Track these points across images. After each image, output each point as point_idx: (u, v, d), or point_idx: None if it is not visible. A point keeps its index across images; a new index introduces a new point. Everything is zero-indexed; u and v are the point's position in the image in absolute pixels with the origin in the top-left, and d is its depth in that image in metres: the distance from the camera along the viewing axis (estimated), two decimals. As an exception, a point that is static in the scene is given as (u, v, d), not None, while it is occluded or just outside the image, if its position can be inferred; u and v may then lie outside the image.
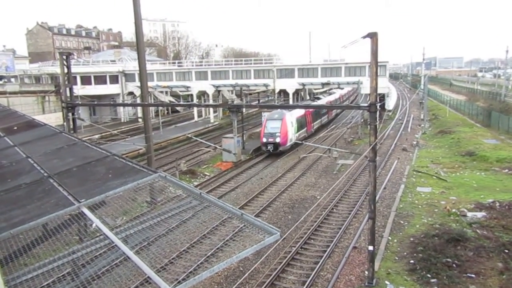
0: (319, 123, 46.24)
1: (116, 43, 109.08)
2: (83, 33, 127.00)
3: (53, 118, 44.59)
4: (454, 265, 14.21)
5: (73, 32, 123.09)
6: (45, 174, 8.14)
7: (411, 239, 16.82)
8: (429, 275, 13.84)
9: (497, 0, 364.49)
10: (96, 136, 40.11)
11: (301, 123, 38.67)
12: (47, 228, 5.99)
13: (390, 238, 17.20)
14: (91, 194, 6.54)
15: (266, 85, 53.16)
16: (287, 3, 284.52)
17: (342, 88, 65.26)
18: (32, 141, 12.01)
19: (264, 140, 34.09)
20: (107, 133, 38.01)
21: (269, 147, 33.80)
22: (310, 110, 40.74)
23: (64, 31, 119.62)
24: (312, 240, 17.63)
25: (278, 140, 33.47)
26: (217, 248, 15.77)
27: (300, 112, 38.28)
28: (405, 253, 15.72)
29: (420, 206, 20.64)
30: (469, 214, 18.50)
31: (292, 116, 35.95)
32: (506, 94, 62.90)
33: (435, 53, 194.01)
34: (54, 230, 6.01)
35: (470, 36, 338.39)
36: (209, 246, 16.01)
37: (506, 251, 14.79)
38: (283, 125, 33.94)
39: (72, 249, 5.45)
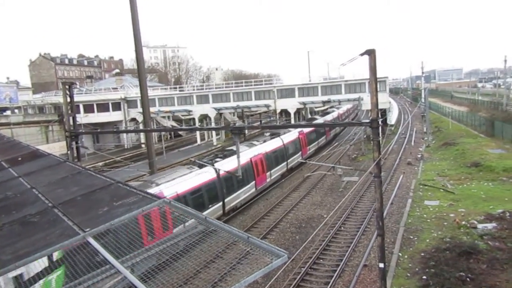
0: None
1: (118, 71, 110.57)
2: (85, 62, 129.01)
3: (57, 147, 44.83)
4: (468, 279, 13.92)
5: (75, 62, 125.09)
6: (50, 204, 8.10)
7: (422, 254, 16.55)
8: (442, 291, 13.53)
9: (493, 10, 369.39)
10: (100, 164, 40.27)
11: None
12: (52, 259, 5.92)
13: (400, 254, 16.93)
14: (96, 222, 6.48)
15: (267, 106, 53.53)
16: (284, 24, 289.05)
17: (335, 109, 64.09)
18: (36, 172, 12.02)
19: None
20: (111, 160, 38.10)
21: None
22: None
23: (67, 61, 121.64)
24: (321, 260, 17.37)
25: None
26: (225, 273, 15.55)
27: None
28: (417, 269, 15.44)
29: (429, 220, 20.38)
30: (480, 225, 18.23)
31: None
32: (508, 103, 62.90)
33: (434, 66, 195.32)
34: (59, 260, 5.94)
35: (468, 47, 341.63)
36: (217, 271, 15.79)
37: (520, 262, 14.50)
38: None
39: (78, 280, 5.37)
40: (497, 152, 34.41)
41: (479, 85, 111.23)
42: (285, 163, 32.91)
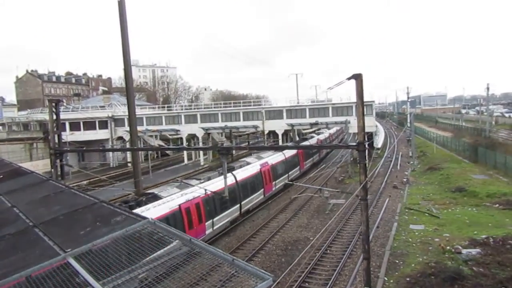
0: None
1: (106, 89, 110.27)
2: (73, 80, 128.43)
3: (41, 165, 44.05)
4: (452, 305, 13.88)
5: (62, 79, 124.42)
6: (31, 224, 7.92)
7: (408, 279, 16.49)
8: (428, 317, 13.43)
9: (477, 40, 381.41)
10: (84, 182, 39.58)
11: None
12: (31, 280, 5.74)
13: (386, 278, 16.84)
14: (78, 243, 6.34)
15: (255, 127, 53.73)
16: (274, 47, 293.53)
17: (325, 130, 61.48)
18: (18, 190, 11.78)
19: None
20: (96, 178, 37.54)
21: None
22: None
23: (54, 79, 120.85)
24: (306, 284, 17.17)
25: None
26: (209, 296, 15.25)
27: None
28: (402, 294, 15.36)
29: (414, 244, 20.41)
30: (464, 251, 18.31)
31: None
32: (491, 130, 64.34)
33: (419, 91, 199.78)
34: (38, 282, 5.76)
35: (452, 74, 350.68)
36: (201, 293, 15.47)
37: (504, 288, 14.55)
38: None
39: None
40: (480, 178, 34.94)
41: (463, 111, 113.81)
42: (238, 206, 26.34)
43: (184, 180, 25.15)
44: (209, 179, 24.75)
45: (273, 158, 34.21)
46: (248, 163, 30.60)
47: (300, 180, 37.16)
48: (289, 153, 38.00)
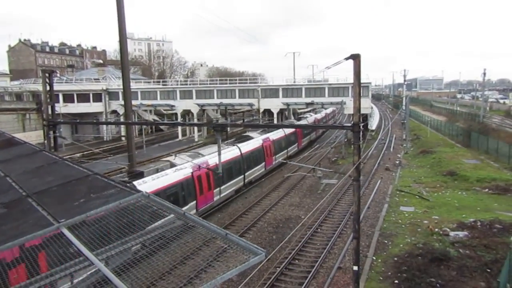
0: None
1: (100, 61, 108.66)
2: (67, 51, 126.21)
3: (34, 136, 43.81)
4: (438, 285, 14.24)
5: (56, 50, 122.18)
6: (24, 194, 7.91)
7: (395, 258, 16.83)
8: (413, 295, 13.78)
9: (474, 25, 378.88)
10: (78, 155, 39.47)
11: None
12: (24, 249, 5.78)
13: (374, 258, 17.18)
14: (71, 213, 6.36)
15: (250, 105, 53.50)
16: (272, 25, 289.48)
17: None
18: (11, 160, 11.72)
19: None
20: (89, 151, 37.43)
21: None
22: None
23: (47, 49, 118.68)
24: (296, 261, 17.49)
25: None
26: (201, 269, 15.48)
27: None
28: (389, 273, 15.70)
29: (403, 226, 20.75)
30: (452, 233, 18.67)
31: None
32: (484, 115, 64.70)
33: (416, 74, 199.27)
34: (31, 251, 5.80)
35: (449, 58, 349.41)
36: (192, 267, 15.69)
37: (489, 270, 14.90)
38: None
39: (51, 271, 5.25)
40: (472, 162, 35.30)
41: (458, 96, 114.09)
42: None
43: None
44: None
45: (221, 155, 21.20)
46: (173, 165, 22.15)
47: (294, 159, 37.30)
48: (250, 146, 30.25)
